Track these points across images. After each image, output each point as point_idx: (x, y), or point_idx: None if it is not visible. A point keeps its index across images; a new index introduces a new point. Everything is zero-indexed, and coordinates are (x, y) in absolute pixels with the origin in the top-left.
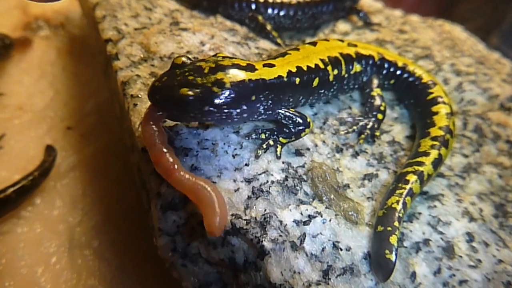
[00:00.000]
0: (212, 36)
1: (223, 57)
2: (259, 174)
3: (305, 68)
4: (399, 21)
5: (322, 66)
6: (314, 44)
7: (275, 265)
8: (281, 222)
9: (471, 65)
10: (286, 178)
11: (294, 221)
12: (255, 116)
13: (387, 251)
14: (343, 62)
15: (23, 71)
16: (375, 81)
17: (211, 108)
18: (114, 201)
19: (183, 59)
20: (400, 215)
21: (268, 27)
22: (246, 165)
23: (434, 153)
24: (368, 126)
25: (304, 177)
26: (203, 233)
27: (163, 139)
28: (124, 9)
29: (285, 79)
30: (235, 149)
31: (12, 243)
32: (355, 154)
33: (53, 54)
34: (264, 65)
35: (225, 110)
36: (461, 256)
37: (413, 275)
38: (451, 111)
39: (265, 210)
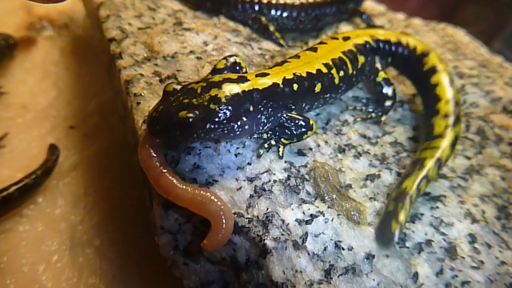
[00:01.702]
0: (215, 36)
1: (212, 75)
2: (262, 173)
3: (304, 75)
4: (401, 24)
5: (325, 70)
6: (315, 50)
7: (277, 263)
8: (283, 221)
9: (473, 68)
10: (288, 178)
11: (296, 220)
12: (260, 127)
13: (394, 225)
14: (348, 61)
15: (26, 71)
16: (378, 65)
17: (212, 126)
18: (116, 200)
19: (174, 85)
20: (413, 198)
21: (271, 28)
22: (249, 164)
23: (450, 136)
24: (374, 113)
25: (307, 176)
26: (205, 232)
27: (161, 161)
28: (128, 9)
29: (281, 86)
30: (238, 148)
31: (14, 241)
32: (358, 155)
33: (56, 54)
34: (257, 75)
35: (226, 125)
36: (463, 257)
37: (415, 275)
38: (451, 78)
39: (267, 209)
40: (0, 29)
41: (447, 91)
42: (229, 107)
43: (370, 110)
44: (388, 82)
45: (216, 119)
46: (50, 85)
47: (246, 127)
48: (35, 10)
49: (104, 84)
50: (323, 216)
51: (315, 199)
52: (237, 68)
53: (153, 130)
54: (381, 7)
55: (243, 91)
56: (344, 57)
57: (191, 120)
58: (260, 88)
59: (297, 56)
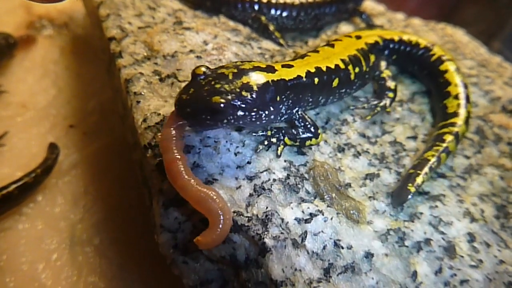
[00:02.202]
0: (215, 35)
1: (241, 61)
2: (261, 172)
3: (324, 69)
4: (401, 24)
5: (342, 66)
6: (332, 46)
7: (277, 262)
8: (282, 219)
9: (473, 68)
10: (288, 177)
11: (296, 219)
12: (279, 117)
13: (410, 184)
14: (362, 59)
15: (26, 70)
16: (383, 63)
17: (243, 113)
18: (116, 199)
19: (203, 69)
20: (433, 165)
21: (271, 27)
22: (248, 163)
23: (464, 112)
24: (380, 104)
25: (306, 175)
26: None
27: (179, 146)
28: (128, 8)
29: (304, 79)
30: (237, 147)
31: (14, 240)
32: (357, 154)
33: (56, 53)
34: (283, 66)
35: (255, 113)
36: (462, 256)
37: (414, 274)
38: (457, 66)
39: (266, 208)
40: (0, 28)
41: (455, 76)
42: (260, 96)
43: (375, 103)
44: (391, 78)
45: (247, 106)
46: (49, 84)
47: (272, 116)
48: (35, 9)
49: (104, 83)
50: (323, 215)
51: (315, 198)
52: None
53: (183, 112)
54: (381, 7)
55: (272, 81)
56: (359, 54)
57: (223, 105)
58: (287, 78)
59: (316, 51)
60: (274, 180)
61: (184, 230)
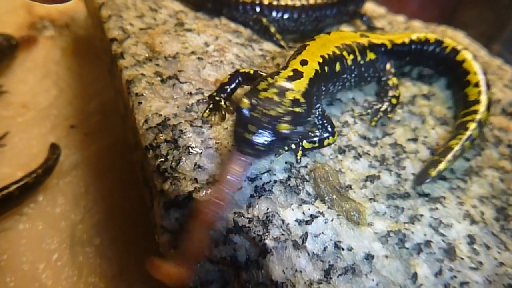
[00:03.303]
0: (216, 37)
1: (267, 76)
2: (262, 174)
3: (326, 56)
4: (402, 26)
5: (338, 52)
6: (328, 33)
7: (277, 263)
8: (283, 221)
9: None
10: (288, 178)
11: (296, 220)
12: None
13: (432, 169)
14: (356, 50)
15: (27, 70)
16: (392, 70)
17: (302, 127)
18: (117, 199)
19: (246, 100)
20: (456, 154)
21: (272, 29)
22: (249, 164)
23: (485, 99)
24: (382, 109)
25: (307, 177)
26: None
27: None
28: (129, 9)
29: (319, 71)
30: None
31: (14, 239)
32: (358, 156)
33: (57, 54)
34: (301, 63)
35: (308, 121)
36: (462, 258)
37: (414, 276)
38: (473, 54)
39: (267, 209)
40: (1, 29)
41: (474, 65)
42: (307, 105)
43: (377, 107)
44: (397, 87)
45: (304, 120)
46: (51, 84)
47: (314, 118)
48: (36, 10)
49: (105, 84)
50: (323, 216)
51: (315, 199)
52: None
53: (253, 150)
54: (382, 9)
55: (307, 86)
56: (353, 45)
57: (289, 131)
58: (311, 77)
59: (313, 39)
60: (275, 181)
61: (184, 231)
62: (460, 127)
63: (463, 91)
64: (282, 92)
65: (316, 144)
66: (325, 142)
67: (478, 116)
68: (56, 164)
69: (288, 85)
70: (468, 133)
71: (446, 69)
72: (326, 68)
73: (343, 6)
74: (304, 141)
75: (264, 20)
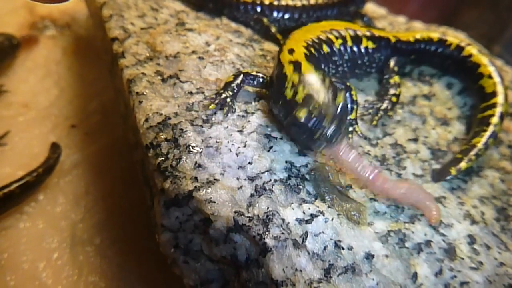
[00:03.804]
0: (217, 37)
1: (281, 83)
2: (262, 173)
3: (310, 40)
4: (402, 27)
5: (324, 36)
6: (318, 21)
7: (277, 262)
8: (283, 220)
9: None
10: (289, 177)
11: (297, 219)
12: None
13: (452, 167)
14: (348, 35)
15: (28, 70)
16: (395, 68)
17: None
18: (117, 198)
19: (302, 114)
20: (480, 152)
21: (273, 29)
22: (250, 163)
23: (502, 90)
24: (382, 108)
25: (307, 176)
26: (205, 230)
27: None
28: (130, 9)
29: (308, 54)
30: (239, 147)
31: (15, 238)
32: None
33: (58, 54)
34: (289, 52)
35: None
36: (462, 258)
37: (415, 275)
38: (478, 48)
39: (267, 208)
40: (3, 28)
41: (482, 58)
42: (328, 78)
43: (378, 106)
44: (398, 85)
45: (336, 89)
46: (52, 84)
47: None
48: (38, 10)
49: (106, 84)
50: (323, 215)
51: (315, 198)
52: None
53: (339, 139)
54: (382, 10)
55: (311, 67)
56: (346, 33)
57: (344, 101)
58: (306, 59)
59: (300, 28)
60: (275, 180)
61: (185, 230)
62: (483, 123)
63: (478, 84)
64: (306, 83)
65: (354, 106)
66: (354, 97)
67: (499, 109)
68: (57, 164)
69: (304, 76)
70: (491, 128)
71: (453, 65)
72: (313, 50)
73: (343, 6)
74: (348, 117)
75: (265, 20)
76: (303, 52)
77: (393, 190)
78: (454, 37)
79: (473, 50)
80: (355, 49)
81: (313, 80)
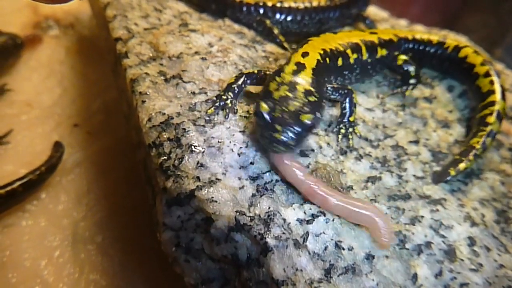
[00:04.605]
0: (220, 38)
1: (274, 75)
2: (264, 173)
3: (328, 50)
4: (404, 30)
5: (341, 49)
6: (335, 33)
7: (278, 262)
8: (284, 220)
9: None
10: None
11: (298, 219)
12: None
13: (452, 168)
14: (363, 48)
15: (32, 69)
16: (395, 53)
17: (319, 114)
18: (119, 197)
19: (265, 105)
20: (478, 152)
21: (275, 31)
22: (251, 163)
23: (498, 87)
24: (411, 82)
25: None
26: (206, 229)
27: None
28: (134, 9)
29: (322, 61)
30: (241, 147)
31: (16, 236)
32: (359, 157)
33: (62, 53)
34: (302, 55)
35: (322, 107)
36: (462, 260)
37: (415, 276)
38: (475, 49)
39: (269, 208)
40: (7, 28)
41: (477, 58)
42: (318, 92)
43: (398, 84)
44: (409, 62)
45: (319, 106)
46: (55, 83)
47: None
48: (42, 10)
49: (109, 83)
50: (324, 216)
51: None
52: None
53: (288, 148)
54: (384, 13)
55: (312, 76)
56: (361, 44)
57: (310, 122)
58: (314, 66)
59: (317, 36)
60: (277, 180)
61: (186, 229)
62: (480, 123)
63: (474, 84)
64: (292, 87)
65: (353, 108)
66: (354, 100)
67: (496, 107)
68: (59, 162)
69: (296, 79)
70: (488, 128)
71: (451, 66)
72: (328, 60)
73: (346, 9)
74: (344, 119)
75: (268, 21)
76: (316, 58)
77: (335, 206)
78: (451, 39)
79: (469, 50)
80: (369, 60)
81: (300, 88)
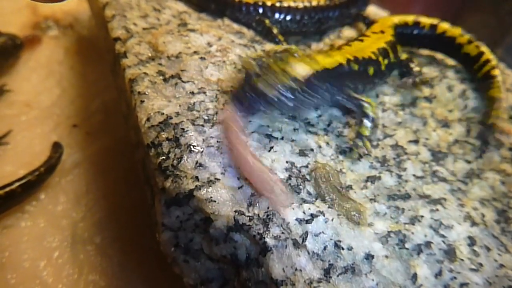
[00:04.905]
0: (219, 38)
1: (281, 52)
2: None
3: (360, 58)
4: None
5: (374, 57)
6: (361, 40)
7: (277, 261)
8: (283, 220)
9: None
10: (289, 177)
11: (297, 219)
12: (326, 103)
13: (490, 118)
14: (390, 51)
15: (31, 69)
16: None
17: (290, 103)
18: (118, 198)
19: (252, 61)
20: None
21: (275, 31)
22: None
23: (486, 49)
24: (414, 80)
25: (308, 177)
26: (205, 229)
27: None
28: (133, 9)
29: (345, 66)
30: None
31: (16, 237)
32: (358, 157)
33: (61, 54)
34: (323, 56)
35: (301, 99)
36: (462, 260)
37: (414, 276)
38: (469, 38)
39: (268, 208)
40: (6, 28)
41: (455, 30)
42: (305, 86)
43: (410, 80)
44: (410, 58)
45: (294, 96)
46: (54, 83)
47: (315, 100)
48: (41, 10)
49: (108, 84)
50: (323, 216)
51: (316, 199)
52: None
53: (244, 97)
54: (384, 13)
55: (316, 71)
56: (387, 47)
57: (276, 98)
58: (330, 68)
59: (348, 45)
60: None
61: (185, 229)
62: (487, 78)
63: (462, 54)
64: (285, 66)
65: (369, 125)
66: (369, 113)
67: (493, 63)
68: (58, 163)
69: (295, 63)
70: (499, 79)
71: (439, 45)
72: (356, 66)
73: (345, 8)
74: (362, 128)
75: (267, 21)
76: (339, 62)
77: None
78: (447, 25)
79: (446, 25)
80: (395, 60)
81: (291, 71)
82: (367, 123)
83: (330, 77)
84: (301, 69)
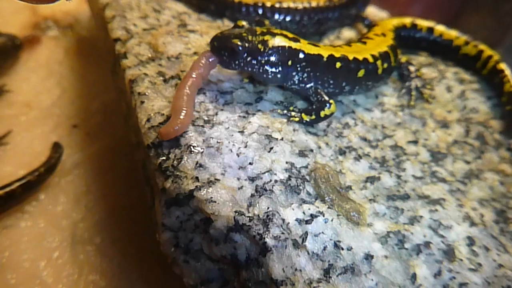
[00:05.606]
0: None
1: (279, 29)
2: (263, 173)
3: (350, 58)
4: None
5: (371, 60)
6: (364, 43)
7: (277, 262)
8: (283, 220)
9: (474, 74)
10: (289, 178)
11: (297, 219)
12: (289, 83)
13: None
14: (391, 54)
15: (31, 70)
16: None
17: (253, 61)
18: (118, 198)
19: (244, 22)
20: None
21: None
22: (250, 164)
23: (484, 46)
24: (412, 87)
25: (307, 177)
26: (206, 230)
27: (202, 71)
28: (133, 10)
29: (325, 60)
30: (240, 148)
31: (16, 237)
32: (358, 157)
33: (61, 54)
34: (309, 43)
35: (264, 66)
36: (461, 260)
37: (414, 276)
38: (466, 39)
39: (268, 208)
40: (6, 29)
41: (451, 33)
42: (272, 53)
43: (408, 85)
44: (411, 63)
45: (257, 57)
46: (54, 84)
47: (279, 75)
48: (40, 10)
49: (108, 84)
50: (323, 216)
51: (316, 199)
52: None
53: (212, 45)
54: (384, 14)
55: (289, 47)
56: (389, 51)
57: (239, 48)
58: (306, 52)
59: (348, 45)
60: (276, 181)
61: (185, 229)
62: (495, 73)
63: (460, 54)
64: (266, 33)
65: (313, 116)
66: (322, 113)
67: (495, 58)
68: (58, 163)
69: (276, 35)
70: (507, 72)
71: (436, 46)
72: (338, 64)
73: (345, 9)
74: (303, 113)
75: (267, 22)
76: (329, 53)
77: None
78: (443, 28)
79: (442, 28)
80: (396, 64)
81: (269, 40)
82: (314, 114)
83: (303, 61)
84: (277, 40)
